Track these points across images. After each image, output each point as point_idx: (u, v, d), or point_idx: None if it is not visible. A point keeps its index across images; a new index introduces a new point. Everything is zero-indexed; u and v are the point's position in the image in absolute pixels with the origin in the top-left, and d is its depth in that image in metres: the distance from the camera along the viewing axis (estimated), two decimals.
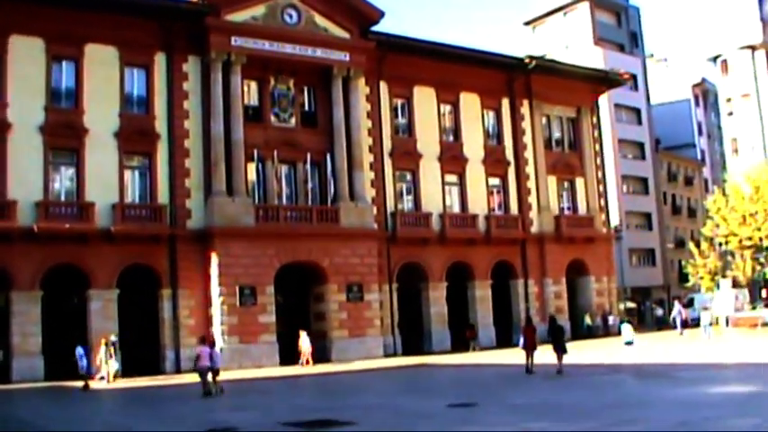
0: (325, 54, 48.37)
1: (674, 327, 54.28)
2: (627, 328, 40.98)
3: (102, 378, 36.19)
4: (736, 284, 61.92)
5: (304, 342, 42.79)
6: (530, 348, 32.27)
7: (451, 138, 56.11)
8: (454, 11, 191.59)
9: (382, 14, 50.47)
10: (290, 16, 47.82)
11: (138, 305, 42.86)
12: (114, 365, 36.41)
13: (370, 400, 25.29)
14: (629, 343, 39.44)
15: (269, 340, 44.09)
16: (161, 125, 44.38)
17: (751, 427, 14.69)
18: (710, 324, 51.95)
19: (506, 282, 57.11)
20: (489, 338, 53.46)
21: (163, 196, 43.85)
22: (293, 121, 48.58)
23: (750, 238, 58.06)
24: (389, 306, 50.17)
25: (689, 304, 66.24)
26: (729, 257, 62.83)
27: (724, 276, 61.78)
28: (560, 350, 31.51)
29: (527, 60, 59.48)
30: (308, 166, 47.41)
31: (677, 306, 56.75)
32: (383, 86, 52.40)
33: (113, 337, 37.82)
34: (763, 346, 40.18)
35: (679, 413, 17.38)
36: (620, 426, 16.09)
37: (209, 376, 28.65)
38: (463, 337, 51.02)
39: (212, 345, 31.20)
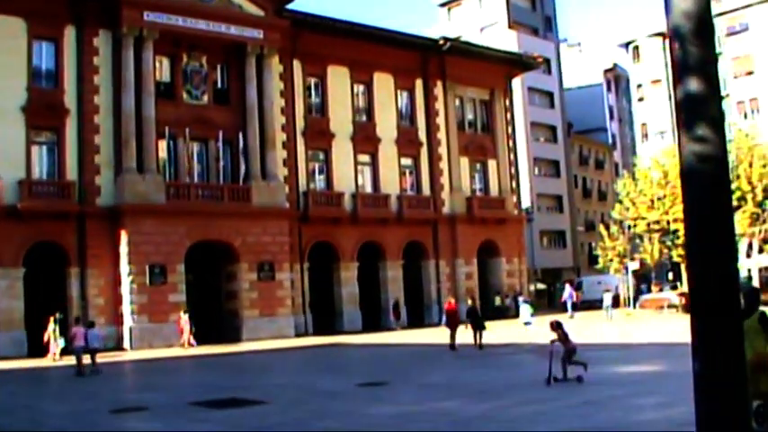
0: (238, 31, 48.61)
1: (565, 309, 55.84)
2: (525, 309, 42.33)
3: (54, 355, 36.36)
4: (643, 266, 64.13)
5: (185, 324, 42.21)
6: (453, 326, 33.88)
7: (365, 118, 56.94)
8: None
9: None
10: None
11: (46, 284, 42.74)
12: (61, 343, 36.42)
13: (281, 380, 25.69)
14: (527, 323, 40.81)
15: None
16: (70, 100, 44.18)
17: (654, 405, 15.47)
18: (612, 306, 53.79)
19: (418, 262, 58.20)
20: (401, 318, 54.57)
21: (71, 173, 43.75)
22: (206, 98, 48.82)
23: (658, 222, 60.07)
24: (301, 285, 50.90)
25: (579, 287, 68.61)
26: (638, 240, 64.78)
27: (632, 259, 63.76)
28: (479, 327, 33.47)
29: (441, 42, 60.55)
30: (221, 144, 47.70)
31: (568, 289, 58.39)
32: (297, 65, 52.92)
33: (59, 315, 37.89)
34: (666, 327, 41.88)
35: (585, 392, 18.13)
36: (529, 404, 16.73)
37: (88, 357, 28.58)
38: (374, 317, 52.13)
39: (91, 325, 31.24)
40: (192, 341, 41.91)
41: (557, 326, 20.72)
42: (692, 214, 6.19)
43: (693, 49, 6.12)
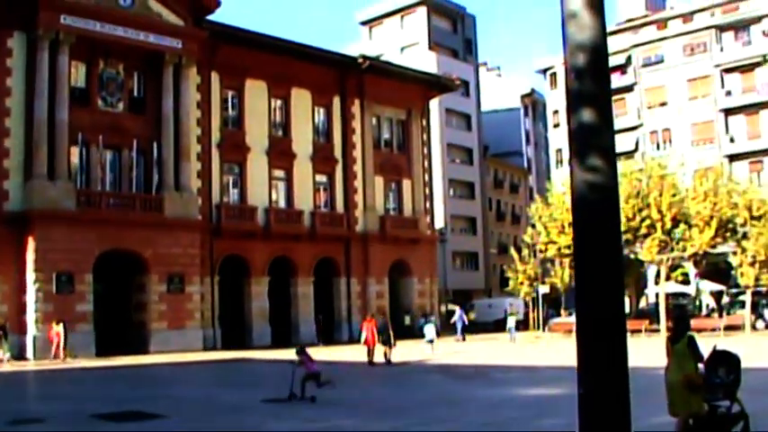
0: (157, 40, 48.98)
1: (455, 332, 56.86)
2: (429, 328, 43.75)
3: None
4: (553, 290, 65.75)
5: (55, 336, 41.21)
6: (371, 343, 35.65)
7: (281, 133, 57.67)
8: (296, 8, 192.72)
9: (218, 4, 51.61)
10: None
11: None
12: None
13: (185, 393, 25.84)
14: (430, 341, 42.33)
15: (86, 329, 44.31)
16: None
17: (550, 427, 16.07)
18: (516, 328, 55.32)
19: (329, 279, 58.99)
20: (311, 334, 55.09)
21: None
22: (121, 106, 49.03)
23: (569, 247, 61.61)
24: (211, 299, 51.31)
25: (470, 309, 70.55)
26: (549, 265, 66.31)
27: (543, 283, 65.34)
28: (390, 344, 35.68)
29: (360, 60, 61.64)
30: (134, 153, 47.96)
31: (458, 311, 59.25)
32: (215, 77, 53.43)
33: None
34: (573, 350, 43.18)
35: (487, 413, 18.82)
36: (430, 425, 17.27)
37: None
38: (283, 332, 52.79)
39: None
40: (62, 353, 40.89)
41: (300, 351, 22.40)
42: (581, 242, 6.29)
43: (588, 81, 6.21)
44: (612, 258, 6.16)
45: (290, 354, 44.42)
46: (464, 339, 54.85)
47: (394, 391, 25.60)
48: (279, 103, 57.62)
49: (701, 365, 11.97)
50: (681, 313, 18.00)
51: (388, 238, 61.33)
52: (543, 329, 62.75)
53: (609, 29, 57.64)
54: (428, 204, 67.17)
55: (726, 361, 12.28)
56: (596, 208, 6.17)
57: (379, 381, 29.81)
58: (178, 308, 48.45)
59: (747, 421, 11.97)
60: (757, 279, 53.86)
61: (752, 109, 73.57)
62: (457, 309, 60.36)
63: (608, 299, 6.11)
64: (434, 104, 75.46)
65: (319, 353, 44.33)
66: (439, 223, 76.71)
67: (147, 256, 47.48)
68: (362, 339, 36.86)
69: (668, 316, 54.42)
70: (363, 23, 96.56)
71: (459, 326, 56.87)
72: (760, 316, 55.89)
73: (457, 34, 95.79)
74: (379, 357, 35.31)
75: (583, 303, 6.20)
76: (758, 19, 74.51)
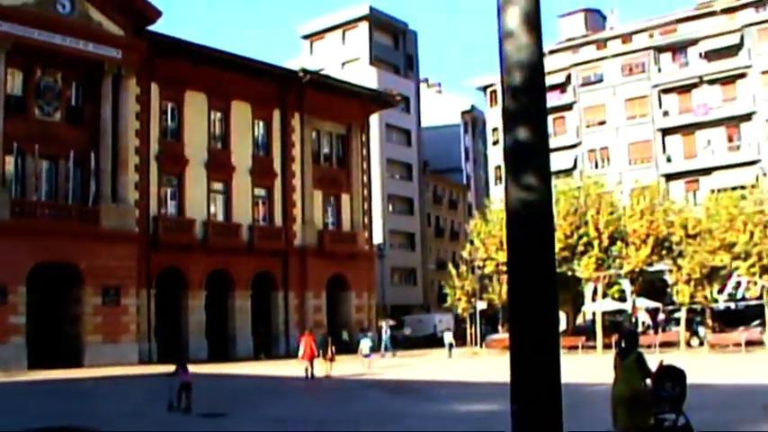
0: (96, 49, 48.87)
1: (385, 348, 56.78)
2: (365, 342, 44.35)
3: None
4: (491, 307, 66.39)
5: None
6: (310, 357, 36.26)
7: (220, 145, 57.82)
8: (239, 21, 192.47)
9: (160, 14, 51.67)
10: (63, 6, 47.96)
11: None
12: None
13: (118, 407, 25.66)
14: (366, 356, 43.02)
15: (18, 342, 43.85)
16: None
17: None
18: (452, 345, 55.97)
19: (267, 293, 59.11)
20: (247, 349, 55.17)
21: None
22: (58, 115, 48.77)
23: (506, 263, 62.39)
24: (147, 312, 51.13)
25: (401, 326, 71.41)
26: (487, 281, 66.92)
27: (481, 299, 65.97)
28: (329, 358, 37.56)
29: (301, 74, 61.98)
30: (71, 163, 47.73)
31: (384, 327, 59.46)
32: (154, 88, 53.39)
33: None
34: (507, 365, 43.76)
35: (422, 428, 19.18)
36: None
37: None
38: (221, 346, 52.82)
39: None
40: None
41: (178, 361, 23.29)
42: (515, 259, 6.40)
43: (524, 100, 6.31)
44: (546, 275, 6.30)
45: (225, 367, 44.80)
46: (394, 355, 55.15)
47: (330, 406, 25.89)
48: (219, 115, 57.77)
49: (648, 381, 12.51)
50: (630, 330, 18.95)
51: (327, 253, 61.68)
52: (481, 345, 63.42)
53: (549, 48, 58.78)
54: (367, 219, 67.67)
55: (672, 375, 12.85)
56: (530, 225, 6.29)
57: (315, 395, 30.13)
58: (113, 321, 48.16)
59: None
60: (692, 297, 55.03)
61: (688, 129, 75.23)
62: (384, 324, 60.43)
63: (542, 316, 6.22)
64: (374, 120, 75.99)
65: (257, 367, 44.71)
66: (377, 238, 77.16)
67: (83, 267, 47.23)
68: (301, 353, 37.23)
69: (605, 333, 55.49)
70: (305, 37, 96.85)
71: (386, 342, 56.97)
72: (694, 333, 57.04)
73: (398, 50, 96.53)
74: (318, 371, 35.69)
75: (517, 320, 6.35)
76: (695, 41, 76.28)
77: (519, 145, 6.30)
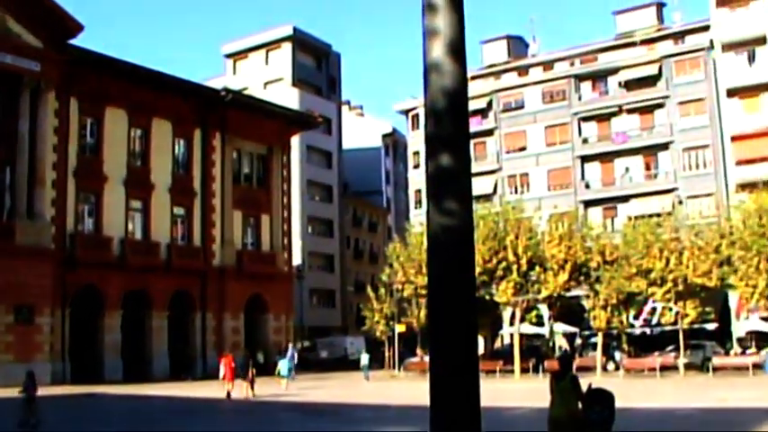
0: (15, 61, 48.55)
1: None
2: (283, 363, 45.00)
3: None
4: (409, 330, 66.92)
5: None
6: (230, 378, 37.53)
7: (140, 163, 57.69)
8: (162, 39, 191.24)
9: (81, 28, 51.45)
10: None
11: None
12: None
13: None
14: (284, 377, 43.69)
15: None
16: None
17: None
18: (369, 367, 56.45)
19: (185, 313, 58.92)
20: (164, 369, 54.85)
21: None
22: None
23: (425, 287, 62.90)
24: (61, 331, 50.53)
25: (313, 348, 71.92)
26: (405, 304, 67.38)
27: (399, 322, 66.47)
28: (250, 379, 37.95)
29: (223, 93, 62.16)
30: None
31: (291, 350, 58.49)
32: (73, 103, 53.10)
33: None
34: (426, 389, 44.26)
35: None
36: None
37: None
38: (137, 367, 52.47)
39: None
40: None
41: (28, 376, 23.78)
42: (435, 284, 6.38)
43: (447, 126, 6.34)
44: (466, 300, 6.29)
45: (140, 388, 44.58)
46: (293, 379, 54.54)
47: (249, 429, 26.01)
48: (139, 132, 57.63)
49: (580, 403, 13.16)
50: (565, 354, 19.96)
51: (245, 274, 61.78)
52: (399, 369, 63.94)
53: (471, 73, 59.54)
54: (286, 240, 67.95)
55: (601, 398, 13.50)
56: (451, 250, 6.28)
57: (233, 417, 30.24)
58: (26, 340, 47.51)
59: None
60: (609, 322, 56.27)
61: (607, 157, 76.97)
62: (290, 347, 59.43)
63: (461, 340, 6.23)
64: (296, 141, 76.43)
65: (174, 388, 44.57)
66: (296, 260, 77.35)
67: None
68: (222, 374, 37.64)
69: (522, 357, 56.50)
70: (228, 56, 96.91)
71: (288, 364, 55.90)
72: (611, 358, 58.26)
73: (321, 71, 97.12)
74: (237, 393, 35.96)
75: (436, 344, 6.32)
76: (615, 70, 78.21)
77: (441, 170, 6.34)
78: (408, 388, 46.90)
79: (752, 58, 71.78)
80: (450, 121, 6.35)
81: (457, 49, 6.36)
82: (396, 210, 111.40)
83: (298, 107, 79.38)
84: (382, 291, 68.46)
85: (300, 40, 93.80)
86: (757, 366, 50.52)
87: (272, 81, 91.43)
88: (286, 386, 42.76)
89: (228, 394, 37.06)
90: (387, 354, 69.29)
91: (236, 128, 62.86)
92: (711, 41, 73.15)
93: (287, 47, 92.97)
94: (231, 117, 62.28)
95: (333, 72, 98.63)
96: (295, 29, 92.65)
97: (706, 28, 74.99)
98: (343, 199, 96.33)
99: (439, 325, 6.28)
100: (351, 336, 79.10)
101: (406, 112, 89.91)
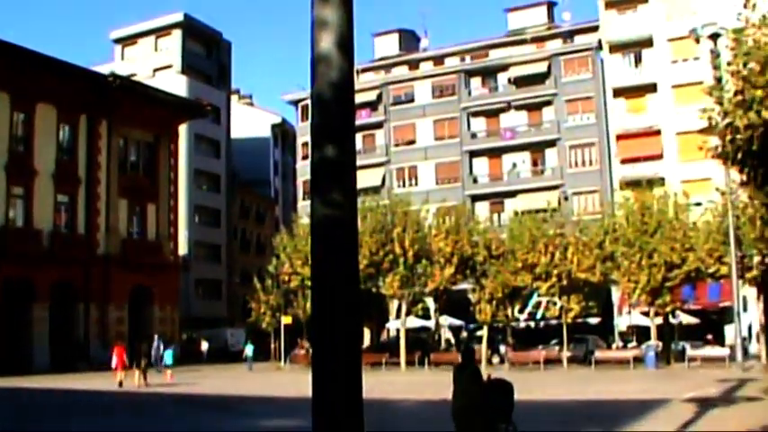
0: None
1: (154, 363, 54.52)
2: (168, 354, 45.32)
3: None
4: (296, 321, 67.20)
5: None
6: (122, 367, 38.53)
7: (22, 148, 56.64)
8: (49, 21, 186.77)
9: None
10: None
11: None
12: None
13: None
14: (167, 366, 44.18)
15: None
16: None
17: None
18: (253, 358, 57.03)
19: (68, 303, 58.19)
20: (45, 361, 54.04)
21: None
22: None
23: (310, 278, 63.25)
24: None
25: (192, 340, 72.22)
26: (292, 296, 67.54)
27: (286, 313, 66.65)
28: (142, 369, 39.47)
29: (110, 79, 61.44)
30: None
31: (156, 341, 57.28)
32: None
33: None
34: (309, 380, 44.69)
35: None
36: None
37: None
38: (16, 358, 51.66)
39: None
40: None
41: None
42: (319, 276, 6.43)
43: (333, 118, 6.42)
44: (348, 291, 6.36)
45: (21, 381, 43.92)
46: (159, 371, 52.96)
47: (130, 422, 26.02)
48: (22, 117, 56.63)
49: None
50: (468, 347, 21.14)
51: (131, 263, 61.32)
52: (285, 360, 64.28)
53: (362, 66, 60.41)
54: (172, 230, 67.56)
55: (500, 388, 14.23)
56: (334, 241, 6.34)
57: (118, 410, 30.17)
58: None
59: None
60: (494, 315, 57.55)
61: (495, 152, 78.50)
62: (156, 338, 56.30)
63: (343, 331, 6.29)
64: (184, 129, 76.02)
65: (57, 381, 44.09)
66: (183, 250, 77.01)
67: None
68: (114, 364, 38.85)
69: (408, 350, 57.38)
70: (117, 42, 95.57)
71: (153, 355, 54.68)
72: (496, 351, 59.57)
73: (211, 60, 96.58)
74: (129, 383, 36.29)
75: (319, 336, 6.40)
76: (505, 67, 79.79)
77: (326, 162, 6.41)
78: (294, 380, 47.28)
79: (638, 60, 74.22)
80: (335, 113, 6.47)
81: (345, 42, 6.46)
82: (284, 201, 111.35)
83: (186, 95, 79.01)
84: (269, 282, 68.61)
85: (190, 27, 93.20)
86: (638, 360, 52.31)
87: (160, 68, 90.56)
88: (170, 377, 43.04)
89: (120, 383, 37.58)
90: (273, 345, 69.56)
91: (124, 115, 62.28)
92: (600, 42, 75.40)
93: (177, 33, 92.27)
94: (118, 104, 61.65)
95: (223, 60, 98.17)
96: (185, 15, 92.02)
97: (595, 28, 77.20)
98: (231, 189, 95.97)
99: (322, 316, 6.38)
100: (234, 327, 78.97)
101: (295, 103, 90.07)
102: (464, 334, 67.77)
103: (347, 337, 6.31)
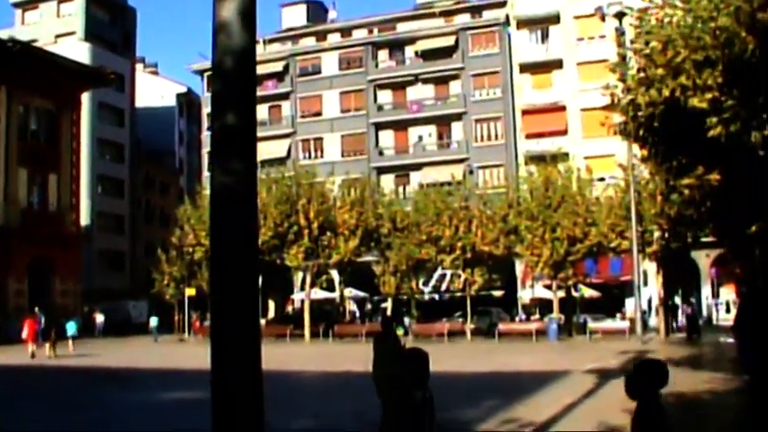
0: None
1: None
2: (70, 327, 45.24)
3: None
4: (200, 293, 67.02)
5: None
6: (33, 339, 39.91)
7: None
8: None
9: None
10: None
11: None
12: None
13: None
14: (69, 337, 44.31)
15: None
16: None
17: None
18: (157, 329, 57.13)
19: None
20: None
21: None
22: None
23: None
24: None
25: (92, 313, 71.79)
26: (196, 267, 67.34)
27: (190, 285, 66.46)
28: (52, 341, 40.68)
29: (9, 44, 60.25)
30: None
31: (38, 314, 55.67)
32: None
33: None
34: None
35: (128, 422, 19.27)
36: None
37: None
38: None
39: None
40: None
41: None
42: (218, 245, 6.38)
43: (233, 87, 6.39)
44: (248, 262, 6.33)
45: None
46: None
47: (28, 395, 25.89)
48: None
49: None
50: (387, 317, 21.87)
51: (31, 234, 60.33)
52: (189, 332, 64.18)
53: (269, 36, 60.42)
54: (74, 200, 66.69)
55: (417, 357, 14.72)
56: (234, 211, 6.30)
57: (23, 383, 30.04)
58: None
59: (434, 407, 14.49)
60: (398, 288, 58.40)
61: (401, 125, 79.05)
62: (36, 310, 53.24)
63: (243, 303, 6.24)
64: (87, 97, 74.85)
65: None
66: (85, 221, 76.12)
67: None
68: (24, 335, 40.20)
69: (312, 321, 57.84)
70: (16, 6, 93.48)
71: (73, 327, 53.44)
72: (400, 323, 60.24)
73: (116, 27, 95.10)
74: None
75: (218, 307, 6.32)
76: (412, 40, 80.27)
77: (226, 129, 6.34)
78: (196, 352, 47.25)
79: (545, 37, 75.35)
80: (236, 81, 6.43)
81: (247, 10, 6.42)
82: (189, 171, 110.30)
83: (90, 62, 77.69)
84: (173, 253, 68.39)
85: None
86: (541, 332, 53.51)
87: (63, 34, 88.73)
88: (71, 348, 43.23)
89: (33, 354, 38.67)
90: (177, 317, 69.39)
91: (24, 82, 61.05)
92: (507, 17, 76.32)
93: None
94: (18, 70, 60.31)
95: (128, 28, 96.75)
96: None
97: (503, 4, 78.21)
98: (136, 159, 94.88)
99: (220, 287, 6.32)
100: (135, 300, 78.32)
101: (201, 73, 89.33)
102: (368, 306, 68.44)
103: (245, 308, 6.26)
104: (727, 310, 61.02)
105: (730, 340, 30.43)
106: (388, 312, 54.66)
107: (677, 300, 63.59)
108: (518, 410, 18.79)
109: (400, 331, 59.46)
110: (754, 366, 14.99)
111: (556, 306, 56.99)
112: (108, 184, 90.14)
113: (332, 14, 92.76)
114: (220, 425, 6.18)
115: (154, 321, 58.01)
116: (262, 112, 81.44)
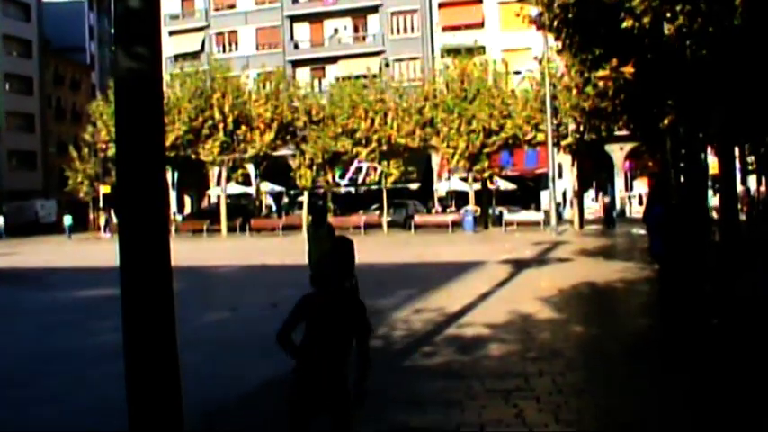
0: None
1: None
2: None
3: None
4: (115, 191, 66.44)
5: None
6: None
7: None
8: None
9: None
10: None
11: None
12: None
13: None
14: None
15: None
16: None
17: (110, 329, 15.30)
18: (71, 226, 56.80)
19: None
20: None
21: None
22: None
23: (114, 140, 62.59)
24: None
25: None
26: (110, 164, 66.55)
27: (104, 183, 65.88)
28: None
29: None
30: None
31: None
32: None
33: None
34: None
35: (39, 318, 19.01)
36: None
37: None
38: None
39: None
40: None
41: None
42: (122, 131, 6.25)
43: None
44: (154, 148, 6.26)
45: None
46: None
47: None
48: None
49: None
50: (320, 207, 22.59)
51: None
52: (105, 231, 63.70)
53: None
54: None
55: (344, 245, 15.00)
56: (139, 97, 6.15)
57: None
58: None
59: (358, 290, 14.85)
60: (315, 181, 58.39)
61: (317, 18, 78.03)
62: None
63: (150, 196, 6.19)
64: None
65: None
66: None
67: None
68: None
69: (229, 216, 57.82)
70: None
71: None
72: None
73: None
74: None
75: (125, 201, 6.24)
76: None
77: (127, 12, 6.16)
78: (111, 249, 47.02)
79: None
80: None
81: None
82: (100, 67, 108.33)
83: None
84: (86, 151, 67.55)
85: None
86: (457, 224, 54.26)
87: None
88: None
89: None
90: (92, 216, 68.81)
91: None
92: None
93: None
94: None
95: None
96: None
97: None
98: (44, 55, 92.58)
99: (126, 180, 6.23)
100: (47, 199, 77.17)
101: None
102: (285, 200, 68.49)
103: (153, 202, 6.22)
104: (640, 203, 62.19)
105: (642, 231, 31.11)
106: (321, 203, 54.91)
107: (591, 192, 64.74)
108: (432, 299, 19.16)
109: None
110: (663, 254, 15.51)
111: (472, 198, 57.51)
112: (16, 81, 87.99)
113: None
114: (131, 319, 6.20)
115: (68, 220, 57.36)
116: (174, 4, 79.86)
